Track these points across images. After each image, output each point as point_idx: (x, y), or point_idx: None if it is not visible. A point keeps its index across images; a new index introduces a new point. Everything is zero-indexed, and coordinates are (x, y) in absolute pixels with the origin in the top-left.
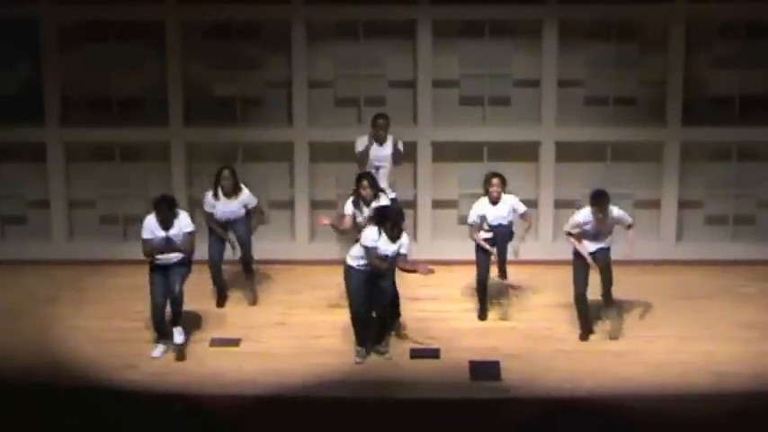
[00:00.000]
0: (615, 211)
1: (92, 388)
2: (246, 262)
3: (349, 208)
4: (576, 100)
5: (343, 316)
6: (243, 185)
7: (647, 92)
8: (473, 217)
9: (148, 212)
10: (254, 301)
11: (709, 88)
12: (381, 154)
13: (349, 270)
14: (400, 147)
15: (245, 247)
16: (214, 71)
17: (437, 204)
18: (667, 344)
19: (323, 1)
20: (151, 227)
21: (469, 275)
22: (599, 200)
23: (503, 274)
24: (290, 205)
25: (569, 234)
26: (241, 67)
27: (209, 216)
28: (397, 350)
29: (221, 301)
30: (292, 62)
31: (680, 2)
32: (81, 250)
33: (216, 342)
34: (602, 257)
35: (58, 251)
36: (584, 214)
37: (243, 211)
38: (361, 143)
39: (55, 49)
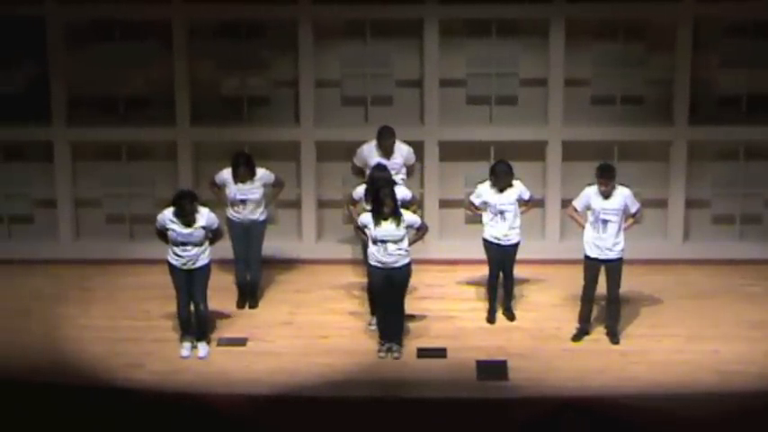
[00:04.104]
0: (627, 191)
1: (99, 387)
2: (253, 288)
3: (359, 194)
4: (582, 99)
5: (350, 316)
6: (257, 168)
7: (654, 91)
8: (476, 201)
9: (155, 212)
10: (255, 303)
11: (716, 87)
12: (390, 164)
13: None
14: (412, 160)
15: (255, 266)
16: (221, 71)
17: (444, 204)
18: (673, 343)
19: (330, 0)
20: (167, 221)
21: (476, 275)
22: (603, 172)
23: (509, 312)
24: (296, 205)
25: (575, 210)
26: (248, 67)
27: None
28: (404, 349)
29: (242, 302)
30: (299, 61)
31: (687, 1)
32: (87, 250)
33: (222, 341)
34: (613, 269)
35: (64, 250)
36: (590, 189)
37: (261, 191)
38: (368, 155)
39: (61, 49)
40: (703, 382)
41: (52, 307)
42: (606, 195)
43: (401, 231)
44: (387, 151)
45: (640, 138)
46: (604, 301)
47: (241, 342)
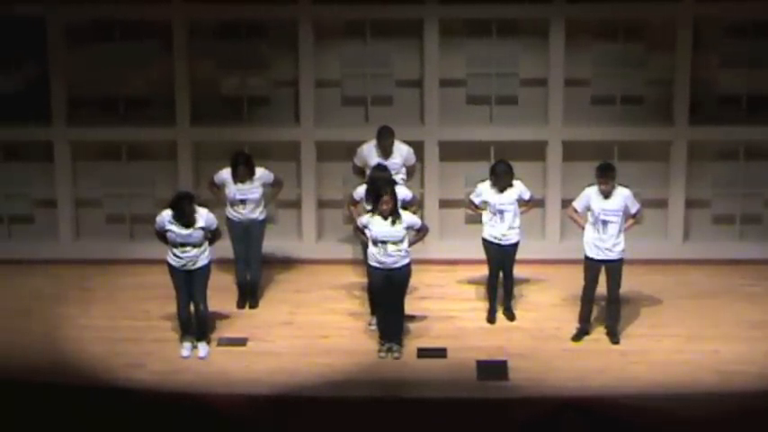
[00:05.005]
0: (627, 192)
1: (99, 387)
2: (254, 286)
3: (359, 194)
4: (582, 99)
5: (350, 316)
6: (256, 168)
7: (654, 91)
8: (476, 200)
9: (155, 212)
10: (255, 303)
11: (716, 87)
12: (389, 164)
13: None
14: (412, 161)
15: (255, 265)
16: (221, 71)
17: (444, 204)
18: (674, 343)
19: (330, 0)
20: (166, 222)
21: (476, 275)
22: (604, 172)
23: (509, 312)
24: (296, 205)
25: (575, 210)
26: (248, 67)
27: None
28: (404, 349)
29: (242, 302)
30: (299, 61)
31: (687, 1)
32: (88, 250)
33: (223, 341)
34: (613, 269)
35: (64, 250)
36: (591, 189)
37: (260, 191)
38: (367, 155)
39: (61, 48)
40: (703, 382)
41: (52, 307)
42: (606, 195)
43: (401, 232)
44: (386, 151)
45: (640, 138)
46: (604, 301)
47: (241, 342)
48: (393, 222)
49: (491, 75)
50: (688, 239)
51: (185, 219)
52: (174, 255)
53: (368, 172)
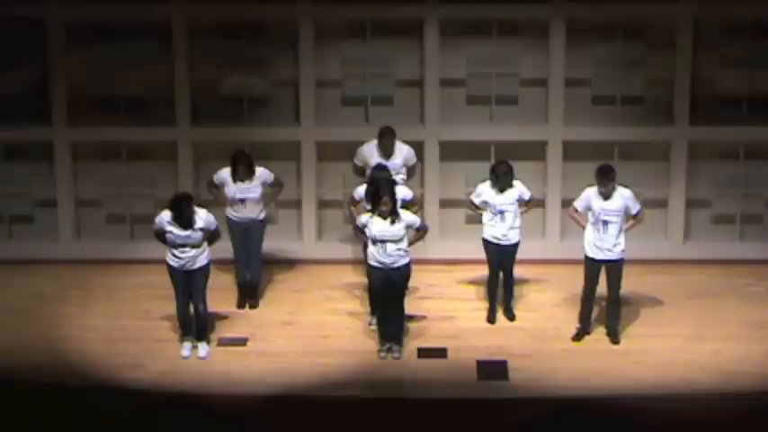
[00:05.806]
0: (627, 193)
1: (99, 387)
2: (253, 287)
3: (359, 194)
4: (583, 99)
5: (350, 316)
6: (257, 167)
7: (655, 91)
8: (476, 200)
9: (155, 212)
10: (255, 303)
11: (716, 87)
12: (390, 164)
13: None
14: (412, 161)
15: (255, 265)
16: (221, 71)
17: (444, 204)
18: (674, 343)
19: (330, 0)
20: (165, 223)
21: (476, 275)
22: (602, 174)
23: (509, 312)
24: (297, 204)
25: (576, 210)
26: (248, 67)
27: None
28: (404, 349)
29: (242, 301)
30: (299, 61)
31: (687, 1)
32: (88, 250)
33: (223, 341)
34: (613, 269)
35: (65, 250)
36: (591, 190)
37: (260, 190)
38: (368, 154)
39: (62, 49)
40: (703, 382)
41: (52, 307)
42: (606, 196)
43: (400, 231)
44: (387, 151)
45: (641, 138)
46: (605, 301)
47: (241, 342)
48: (392, 222)
49: (491, 75)
50: (688, 239)
51: (184, 220)
52: (174, 255)
53: (368, 172)
